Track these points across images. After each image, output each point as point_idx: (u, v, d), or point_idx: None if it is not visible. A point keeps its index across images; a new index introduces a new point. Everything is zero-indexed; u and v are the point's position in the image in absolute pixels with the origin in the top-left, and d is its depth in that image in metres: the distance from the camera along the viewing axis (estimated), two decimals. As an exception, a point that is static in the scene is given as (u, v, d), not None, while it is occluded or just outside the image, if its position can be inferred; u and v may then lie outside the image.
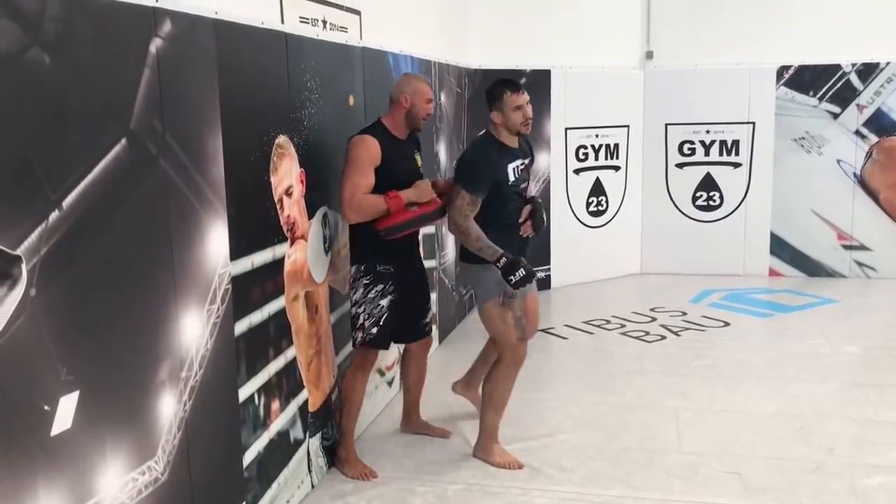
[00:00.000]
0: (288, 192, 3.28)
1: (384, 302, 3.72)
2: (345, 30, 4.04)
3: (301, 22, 3.63)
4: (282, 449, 3.34)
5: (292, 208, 3.32)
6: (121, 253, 2.33)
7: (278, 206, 3.21)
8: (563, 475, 3.81)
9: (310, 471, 3.61)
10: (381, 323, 3.73)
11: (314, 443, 3.65)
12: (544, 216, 3.84)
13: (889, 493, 3.52)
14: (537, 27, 7.09)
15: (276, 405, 3.27)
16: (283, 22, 3.43)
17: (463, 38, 6.67)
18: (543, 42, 7.09)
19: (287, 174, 3.28)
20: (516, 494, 3.63)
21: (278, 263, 3.25)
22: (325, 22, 3.84)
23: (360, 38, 4.23)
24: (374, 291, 3.71)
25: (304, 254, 3.47)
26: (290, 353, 3.38)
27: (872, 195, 7.50)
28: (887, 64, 7.31)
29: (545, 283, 7.38)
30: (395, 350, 4.74)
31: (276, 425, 3.28)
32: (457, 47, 6.40)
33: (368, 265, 3.71)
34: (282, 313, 3.29)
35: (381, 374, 4.54)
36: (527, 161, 3.85)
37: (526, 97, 3.69)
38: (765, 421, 4.35)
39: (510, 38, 6.97)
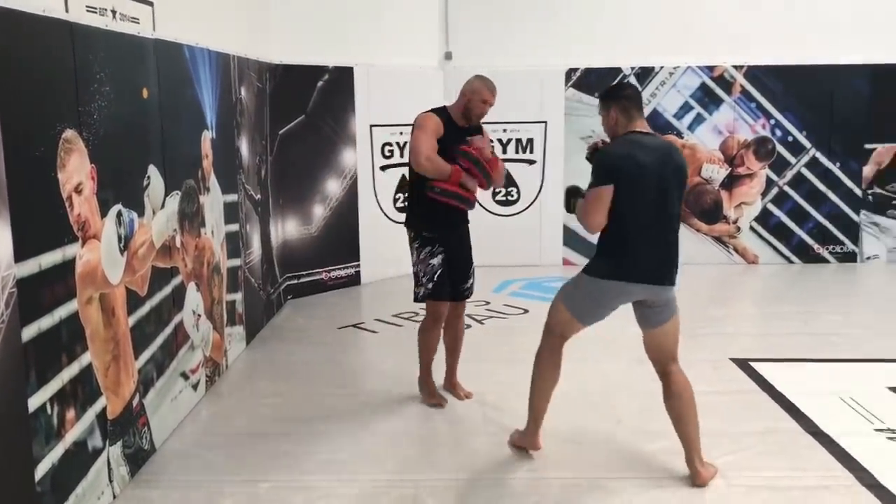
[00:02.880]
0: (78, 190, 3.11)
1: (434, 261, 4.36)
2: (136, 21, 3.88)
3: (88, 11, 3.45)
4: (79, 459, 3.17)
5: (83, 206, 3.15)
6: None
7: (67, 205, 3.05)
8: (375, 465, 3.88)
9: (111, 480, 3.45)
10: (435, 278, 4.38)
11: (115, 451, 3.49)
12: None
13: (667, 456, 3.89)
14: (340, 24, 7.11)
15: (71, 414, 3.09)
16: (67, 10, 3.25)
17: (265, 32, 6.57)
18: (346, 39, 7.14)
19: (77, 170, 3.11)
20: (329, 487, 3.66)
21: (69, 264, 3.08)
22: (114, 12, 3.67)
23: (154, 29, 4.08)
24: (423, 253, 4.37)
25: (98, 254, 3.31)
26: (85, 358, 3.21)
27: (652, 188, 8.17)
28: (661, 68, 8.01)
29: (355, 279, 7.44)
30: (199, 353, 4.62)
31: (73, 435, 3.11)
32: (258, 42, 6.30)
33: (416, 232, 4.40)
34: (75, 317, 3.12)
35: (185, 377, 4.40)
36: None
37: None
38: (562, 399, 4.62)
39: (313, 34, 6.94)
